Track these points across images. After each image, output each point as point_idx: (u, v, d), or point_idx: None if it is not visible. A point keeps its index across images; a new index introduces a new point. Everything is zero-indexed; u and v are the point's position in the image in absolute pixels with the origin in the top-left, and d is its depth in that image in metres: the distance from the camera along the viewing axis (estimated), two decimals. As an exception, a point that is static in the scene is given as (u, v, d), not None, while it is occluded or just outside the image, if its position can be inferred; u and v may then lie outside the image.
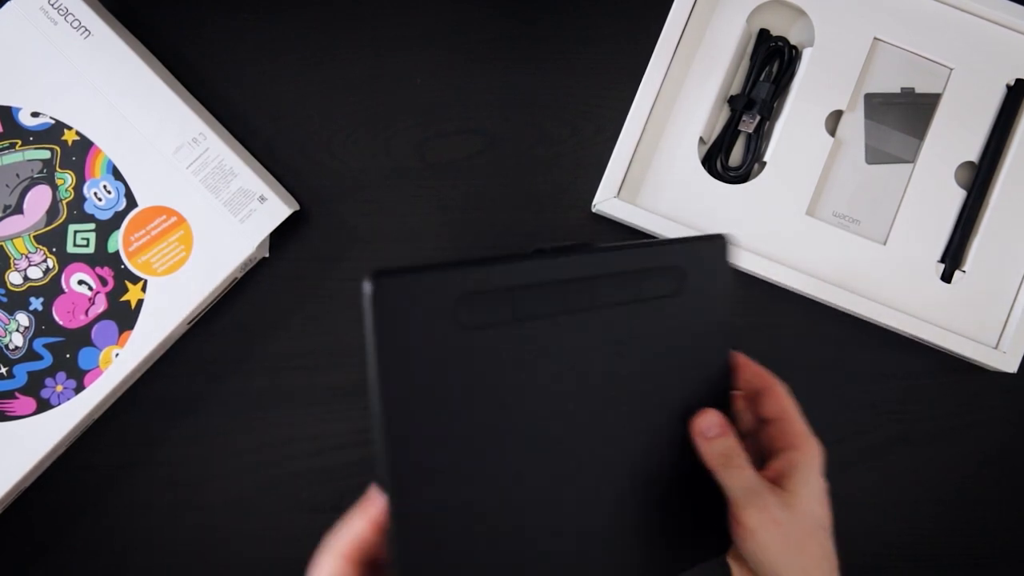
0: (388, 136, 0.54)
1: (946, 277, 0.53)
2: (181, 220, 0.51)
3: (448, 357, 0.36)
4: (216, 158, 0.51)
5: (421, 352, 0.36)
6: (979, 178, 0.53)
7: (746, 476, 0.41)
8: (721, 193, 0.53)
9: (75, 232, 0.51)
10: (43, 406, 0.50)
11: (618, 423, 0.40)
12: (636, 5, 0.55)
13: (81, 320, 0.51)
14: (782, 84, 0.54)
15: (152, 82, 0.51)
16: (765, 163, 0.53)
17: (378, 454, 0.34)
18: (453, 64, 0.54)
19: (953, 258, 0.53)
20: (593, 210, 0.53)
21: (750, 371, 0.43)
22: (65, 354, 0.50)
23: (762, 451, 0.43)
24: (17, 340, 0.51)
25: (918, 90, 0.54)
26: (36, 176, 0.51)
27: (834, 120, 0.53)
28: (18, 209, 0.51)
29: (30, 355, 0.51)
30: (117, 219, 0.51)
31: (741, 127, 0.54)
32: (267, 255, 0.54)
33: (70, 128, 0.51)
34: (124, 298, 0.51)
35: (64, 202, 0.51)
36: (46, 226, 0.51)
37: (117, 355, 0.51)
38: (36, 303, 0.51)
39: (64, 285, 0.51)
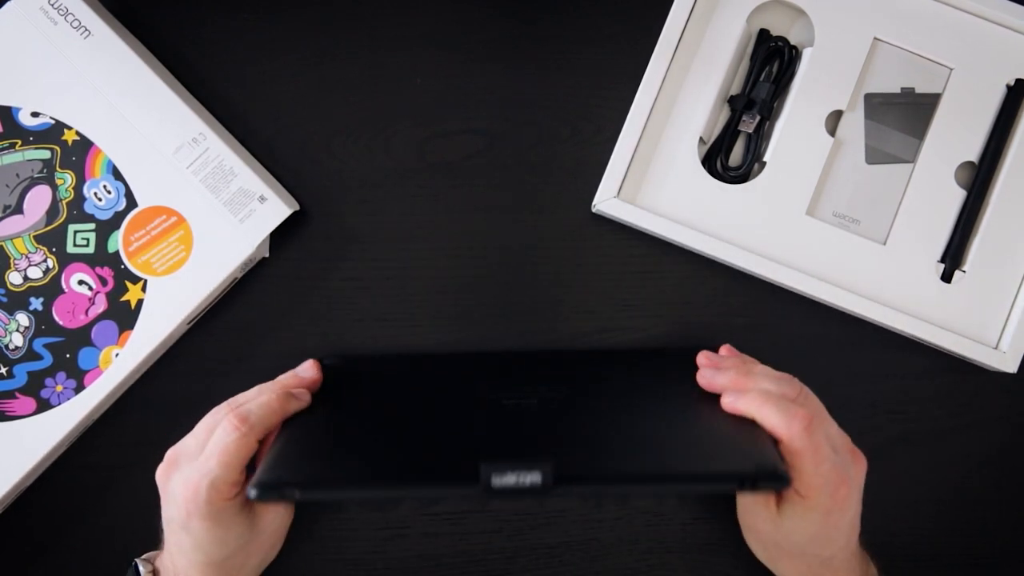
0: (388, 136, 0.54)
1: (946, 277, 0.53)
2: (181, 220, 0.51)
3: None
4: (216, 158, 0.51)
5: None
6: (979, 178, 0.53)
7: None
8: (721, 193, 0.53)
9: (75, 232, 0.51)
10: (43, 406, 0.50)
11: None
12: (636, 5, 0.55)
13: (81, 320, 0.51)
14: (782, 84, 0.54)
15: (152, 82, 0.51)
16: (765, 163, 0.53)
17: None
18: (453, 64, 0.54)
19: (953, 258, 0.53)
20: (593, 210, 0.53)
21: (763, 418, 0.42)
22: (65, 354, 0.50)
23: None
24: (17, 340, 0.51)
25: (918, 90, 0.54)
26: (36, 176, 0.51)
27: (834, 120, 0.53)
28: (18, 209, 0.51)
29: (30, 355, 0.51)
30: (117, 219, 0.51)
31: (741, 127, 0.54)
32: (267, 255, 0.54)
33: (70, 128, 0.51)
34: (124, 298, 0.51)
35: (64, 202, 0.51)
36: (46, 226, 0.51)
37: (117, 355, 0.51)
38: (36, 303, 0.51)
39: (64, 285, 0.51)
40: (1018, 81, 0.53)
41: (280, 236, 0.53)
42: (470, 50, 0.54)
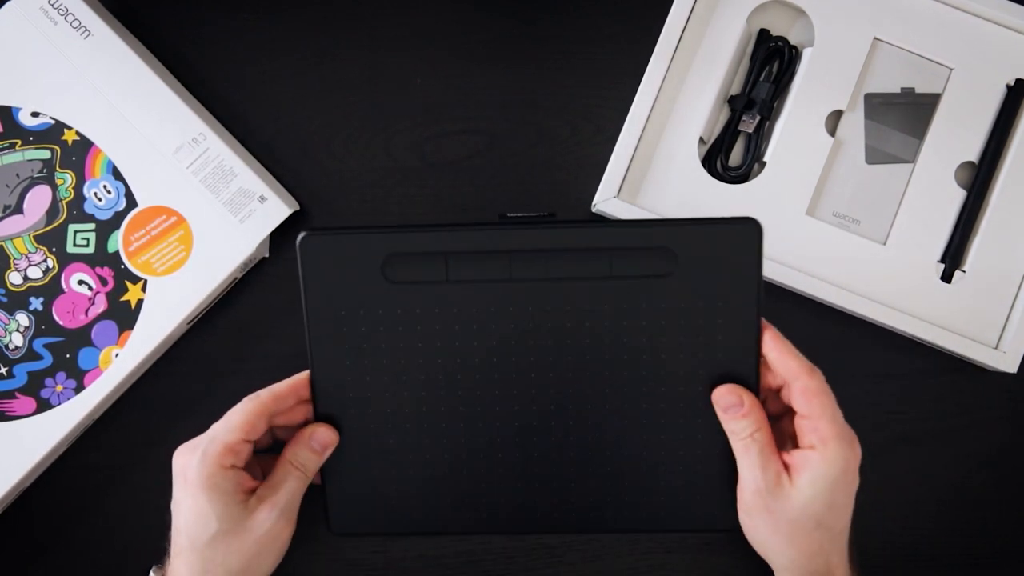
0: (388, 136, 0.54)
1: (946, 277, 0.53)
2: (181, 220, 0.51)
3: (372, 305, 0.43)
4: (216, 158, 0.51)
5: (344, 298, 0.43)
6: (979, 178, 0.53)
7: (755, 455, 0.43)
8: (721, 193, 0.53)
9: (75, 232, 0.51)
10: (43, 406, 0.50)
11: (581, 383, 0.44)
12: (636, 5, 0.55)
13: (81, 320, 0.51)
14: (782, 84, 0.54)
15: (152, 82, 0.51)
16: (765, 163, 0.53)
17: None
18: (453, 64, 0.54)
19: (953, 258, 0.53)
20: (593, 210, 0.53)
21: (781, 360, 0.43)
22: (65, 354, 0.50)
23: (791, 436, 0.45)
24: (17, 340, 0.51)
25: (918, 90, 0.54)
26: (36, 176, 0.51)
27: (834, 120, 0.53)
28: (18, 209, 0.51)
29: (30, 355, 0.51)
30: (117, 219, 0.51)
31: (741, 127, 0.54)
32: (267, 255, 0.54)
33: (70, 128, 0.51)
34: (124, 298, 0.51)
35: (64, 202, 0.51)
36: (46, 226, 0.51)
37: (117, 355, 0.51)
38: (36, 303, 0.51)
39: (64, 285, 0.51)
40: (1018, 81, 0.53)
41: (280, 236, 0.53)
42: (470, 50, 0.55)
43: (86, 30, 0.51)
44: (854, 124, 0.53)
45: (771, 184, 0.53)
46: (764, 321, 0.44)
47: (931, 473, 0.54)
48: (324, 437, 0.45)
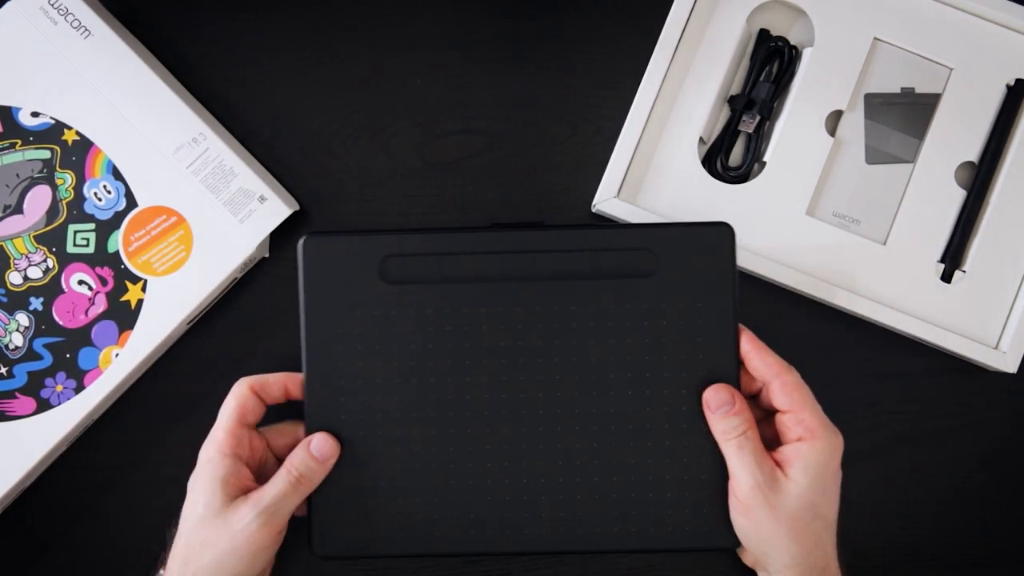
0: (388, 136, 0.54)
1: (946, 277, 0.53)
2: (181, 220, 0.51)
3: (369, 304, 0.45)
4: (216, 158, 0.51)
5: (341, 299, 0.45)
6: (979, 178, 0.53)
7: (748, 453, 0.43)
8: (721, 193, 0.53)
9: (75, 232, 0.51)
10: (43, 406, 0.50)
11: (568, 387, 0.45)
12: (636, 5, 0.55)
13: (81, 320, 0.51)
14: (782, 84, 0.54)
15: (152, 82, 0.51)
16: (765, 163, 0.53)
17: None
18: (453, 64, 0.54)
19: (953, 258, 0.53)
20: (593, 210, 0.53)
21: (760, 359, 0.45)
22: (65, 354, 0.50)
23: (775, 435, 0.45)
24: (17, 340, 0.51)
25: (918, 90, 0.54)
26: (36, 176, 0.51)
27: (834, 120, 0.53)
28: (18, 209, 0.51)
29: (30, 355, 0.51)
30: (117, 219, 0.51)
31: (741, 127, 0.54)
32: (267, 255, 0.54)
33: (70, 128, 0.51)
34: (124, 298, 0.51)
35: (64, 202, 0.51)
36: (46, 226, 0.51)
37: (117, 355, 0.51)
38: (36, 303, 0.51)
39: (64, 285, 0.51)
40: (1018, 81, 0.53)
41: (280, 236, 0.53)
42: (470, 50, 0.55)
43: (86, 30, 0.51)
44: (854, 124, 0.53)
45: (771, 184, 0.53)
46: (741, 325, 0.46)
47: (931, 473, 0.54)
48: (324, 446, 0.45)
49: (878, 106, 0.53)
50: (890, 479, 0.53)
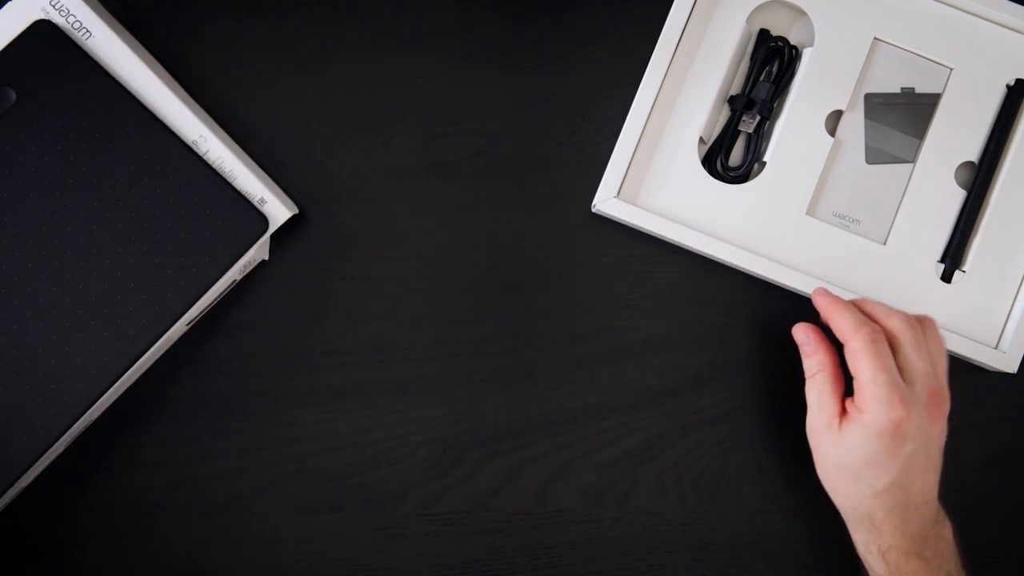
0: (388, 136, 0.54)
1: (946, 277, 0.53)
2: (181, 220, 0.51)
3: None
4: (216, 160, 0.51)
5: None
6: (979, 178, 0.53)
7: (814, 394, 0.47)
8: (721, 193, 0.53)
9: (75, 232, 0.51)
10: (43, 406, 0.50)
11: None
12: (636, 5, 0.55)
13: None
14: (782, 84, 0.54)
15: (153, 84, 0.51)
16: (765, 163, 0.53)
17: None
18: (453, 64, 0.54)
19: (953, 258, 0.53)
20: (593, 210, 0.53)
21: (832, 321, 0.47)
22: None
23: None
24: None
25: (918, 90, 0.54)
26: (36, 176, 0.51)
27: (834, 120, 0.54)
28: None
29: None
30: (117, 219, 0.51)
31: (741, 127, 0.54)
32: (266, 257, 0.54)
33: (70, 128, 0.51)
34: (124, 298, 0.51)
35: (64, 202, 0.51)
36: (46, 226, 0.51)
37: (117, 355, 0.50)
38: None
39: (64, 285, 0.51)
40: (1018, 81, 0.53)
41: (280, 237, 0.53)
42: (470, 50, 0.55)
43: (87, 31, 0.51)
44: (854, 124, 0.53)
45: (771, 184, 0.53)
46: (818, 288, 0.49)
47: (931, 473, 0.53)
48: None
49: (878, 106, 0.53)
50: (890, 479, 0.53)
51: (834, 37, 0.53)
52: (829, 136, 0.53)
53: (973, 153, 0.53)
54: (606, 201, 0.52)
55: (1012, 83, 0.53)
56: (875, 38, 0.53)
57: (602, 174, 0.52)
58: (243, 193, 0.51)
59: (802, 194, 0.53)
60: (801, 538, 0.53)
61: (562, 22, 0.55)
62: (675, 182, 0.53)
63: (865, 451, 0.45)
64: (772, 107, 0.53)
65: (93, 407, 0.50)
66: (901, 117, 0.53)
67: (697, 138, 0.53)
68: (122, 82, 0.50)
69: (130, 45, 0.51)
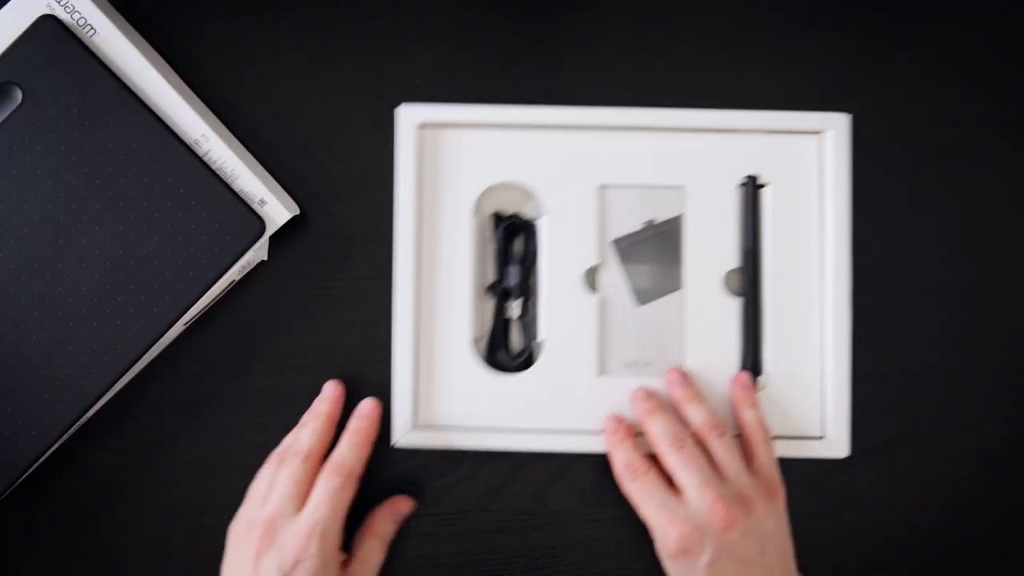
0: (388, 136, 0.54)
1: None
2: (181, 220, 0.51)
3: None
4: (218, 160, 0.51)
5: None
6: (748, 280, 0.52)
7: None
8: (512, 384, 0.52)
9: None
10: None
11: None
12: (636, 4, 0.55)
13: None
14: (529, 260, 0.52)
15: (156, 82, 0.51)
16: (542, 341, 0.52)
17: None
18: (453, 64, 0.54)
19: (752, 365, 0.52)
20: (395, 445, 0.51)
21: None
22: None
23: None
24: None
25: (660, 219, 0.52)
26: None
27: (592, 276, 0.52)
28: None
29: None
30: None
31: (508, 314, 0.53)
32: (265, 258, 0.54)
33: (72, 128, 0.51)
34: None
35: (64, 202, 0.51)
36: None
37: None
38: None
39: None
40: (748, 178, 0.52)
41: (280, 237, 0.53)
42: (470, 50, 0.55)
43: (92, 27, 0.51)
44: (613, 273, 0.52)
45: (555, 359, 0.52)
46: (606, 426, 0.50)
47: (931, 473, 0.54)
48: (406, 506, 0.51)
49: (628, 248, 0.52)
50: (890, 479, 0.53)
51: (562, 200, 0.52)
52: (593, 293, 0.52)
53: (733, 259, 0.52)
54: (407, 435, 0.51)
55: (744, 181, 0.52)
56: (600, 186, 0.52)
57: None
58: (243, 194, 0.51)
59: (588, 357, 0.52)
60: (799, 538, 0.53)
61: (562, 22, 0.55)
62: (465, 391, 0.52)
63: (675, 573, 0.46)
64: (528, 285, 0.52)
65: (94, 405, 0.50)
66: (654, 250, 0.52)
67: (471, 340, 0.52)
68: (126, 80, 0.51)
69: (134, 42, 0.51)
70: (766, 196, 0.52)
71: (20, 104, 0.49)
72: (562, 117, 0.52)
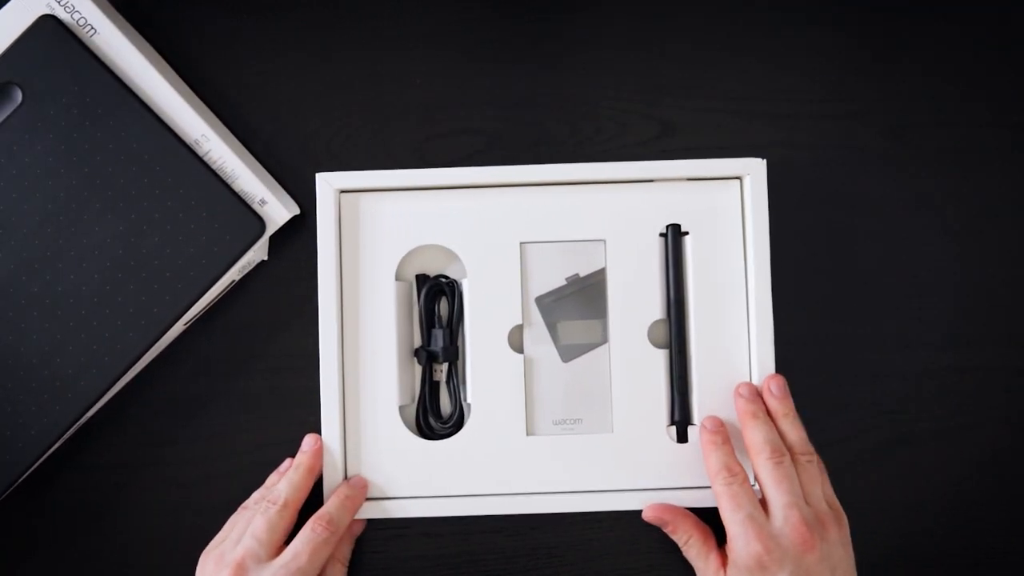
0: (388, 136, 0.54)
1: (681, 437, 0.51)
2: (181, 220, 0.51)
3: None
4: (218, 160, 0.51)
5: None
6: (673, 330, 0.51)
7: (700, 559, 0.49)
8: (442, 450, 0.51)
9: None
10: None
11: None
12: (636, 4, 0.55)
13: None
14: (455, 321, 0.52)
15: (157, 82, 0.51)
16: (470, 404, 0.51)
17: None
18: (453, 64, 0.54)
19: (681, 417, 0.51)
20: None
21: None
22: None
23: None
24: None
25: (582, 273, 0.52)
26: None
27: (517, 335, 0.52)
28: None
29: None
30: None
31: (436, 377, 0.52)
32: (265, 258, 0.54)
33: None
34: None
35: (64, 202, 0.51)
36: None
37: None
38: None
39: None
40: (669, 226, 0.52)
41: (280, 237, 0.53)
42: (470, 50, 0.55)
43: (92, 27, 0.51)
44: (537, 332, 0.52)
45: (482, 422, 0.51)
46: (706, 424, 0.50)
47: (931, 473, 0.54)
48: (359, 527, 0.52)
49: (551, 305, 0.52)
50: (890, 479, 0.53)
51: (483, 258, 0.51)
52: (518, 353, 0.51)
53: (658, 310, 0.52)
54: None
55: (664, 231, 0.52)
56: (521, 243, 0.52)
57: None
58: (244, 194, 0.51)
59: (516, 418, 0.51)
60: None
61: (562, 22, 0.55)
62: (395, 461, 0.51)
63: None
64: (455, 348, 0.52)
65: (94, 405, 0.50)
66: (577, 305, 0.52)
67: (396, 409, 0.51)
68: (126, 80, 0.51)
69: (134, 42, 0.51)
70: (688, 244, 0.52)
71: (20, 104, 0.49)
72: (479, 176, 0.51)
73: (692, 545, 0.49)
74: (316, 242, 0.53)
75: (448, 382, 0.52)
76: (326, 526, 0.47)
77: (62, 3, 0.50)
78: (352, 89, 0.54)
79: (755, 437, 0.48)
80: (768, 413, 0.49)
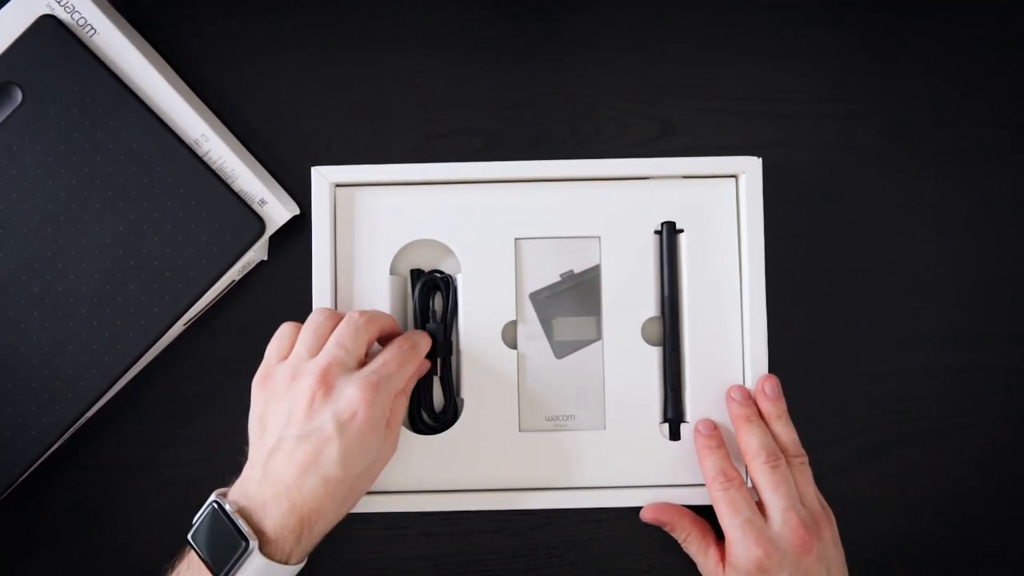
0: (388, 136, 0.54)
1: (674, 435, 0.51)
2: (181, 220, 0.51)
3: None
4: (218, 160, 0.51)
5: None
6: (667, 328, 0.51)
7: (700, 555, 0.49)
8: (435, 445, 0.51)
9: (75, 231, 0.51)
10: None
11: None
12: (637, 4, 0.55)
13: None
14: (449, 316, 0.52)
15: (157, 82, 0.51)
16: (463, 399, 0.51)
17: None
18: (453, 64, 0.54)
19: (674, 415, 0.51)
20: None
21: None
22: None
23: None
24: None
25: (576, 270, 0.52)
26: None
27: (511, 331, 0.52)
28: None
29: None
30: (117, 219, 0.51)
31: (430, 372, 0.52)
32: (265, 258, 0.54)
33: (71, 128, 0.51)
34: (124, 298, 0.51)
35: (64, 202, 0.51)
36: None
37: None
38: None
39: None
40: (664, 224, 0.52)
41: (280, 237, 0.53)
42: (470, 50, 0.55)
43: (92, 28, 0.51)
44: (531, 328, 0.52)
45: (475, 417, 0.51)
46: (700, 429, 0.50)
47: (931, 473, 0.54)
48: (426, 366, 0.50)
49: (545, 301, 0.52)
50: (890, 479, 0.53)
51: (478, 254, 0.51)
52: (512, 349, 0.51)
53: (652, 307, 0.52)
54: None
55: (659, 228, 0.52)
56: (516, 239, 0.52)
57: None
58: (243, 194, 0.51)
59: (508, 414, 0.51)
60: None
61: (562, 22, 0.55)
62: (393, 459, 0.49)
63: None
64: (449, 343, 0.52)
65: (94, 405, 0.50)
66: (571, 301, 0.52)
67: None
68: (126, 80, 0.51)
69: (134, 42, 0.51)
70: (683, 242, 0.52)
71: (20, 104, 0.49)
72: (475, 172, 0.51)
73: (691, 542, 0.50)
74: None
75: (441, 377, 0.52)
76: (412, 345, 0.47)
77: (62, 3, 0.50)
78: (352, 89, 0.54)
79: (750, 441, 0.48)
80: (760, 415, 0.49)
